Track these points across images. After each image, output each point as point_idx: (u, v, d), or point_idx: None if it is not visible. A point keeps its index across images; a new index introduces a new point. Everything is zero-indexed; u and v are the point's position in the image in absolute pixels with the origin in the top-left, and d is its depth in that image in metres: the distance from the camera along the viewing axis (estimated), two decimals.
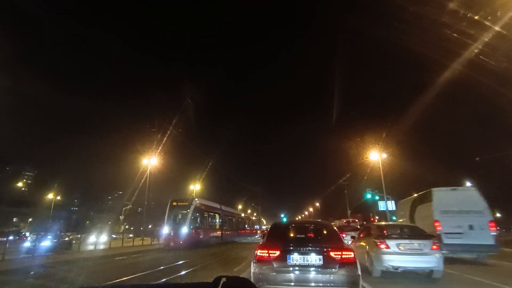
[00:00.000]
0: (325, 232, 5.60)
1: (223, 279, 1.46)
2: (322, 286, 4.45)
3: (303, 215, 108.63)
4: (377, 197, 24.80)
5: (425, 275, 7.36)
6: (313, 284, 4.49)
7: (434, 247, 7.19)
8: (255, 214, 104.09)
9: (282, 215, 60.28)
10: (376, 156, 25.62)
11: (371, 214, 33.80)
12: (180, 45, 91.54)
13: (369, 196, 25.46)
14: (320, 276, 4.49)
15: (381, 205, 26.75)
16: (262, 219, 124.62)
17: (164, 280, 7.50)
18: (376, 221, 29.64)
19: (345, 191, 42.83)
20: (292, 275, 4.55)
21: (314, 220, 14.88)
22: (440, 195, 10.74)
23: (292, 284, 4.51)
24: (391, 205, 25.33)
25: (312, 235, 5.56)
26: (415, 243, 7.25)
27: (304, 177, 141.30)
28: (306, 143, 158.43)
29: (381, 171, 24.37)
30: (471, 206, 10.13)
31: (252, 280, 4.50)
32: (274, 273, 4.59)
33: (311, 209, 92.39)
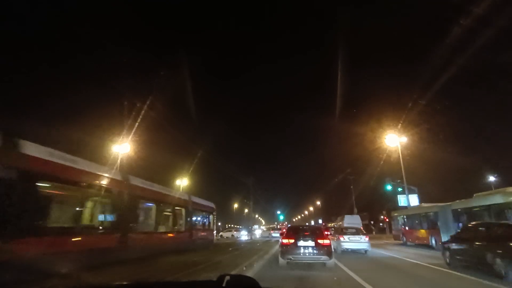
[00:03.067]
0: (316, 231, 10.32)
1: (227, 277, 1.44)
2: (314, 255, 9.37)
3: (302, 215, 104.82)
4: (400, 189, 20.14)
5: (362, 253, 14.36)
6: (307, 254, 9.38)
7: (366, 238, 14.67)
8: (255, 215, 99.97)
9: (279, 212, 56.31)
10: (392, 141, 20.97)
11: (384, 212, 29.15)
12: (174, 23, 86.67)
13: (389, 188, 20.81)
14: (313, 251, 9.37)
15: (401, 200, 22.12)
16: (260, 219, 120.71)
17: None
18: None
19: (351, 187, 38.24)
20: (300, 250, 9.44)
21: (311, 225, 22.48)
22: (347, 217, 27.18)
23: (300, 254, 9.40)
24: (414, 200, 20.57)
25: (309, 232, 10.11)
26: (357, 237, 14.71)
27: (305, 175, 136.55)
28: (306, 137, 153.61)
29: (400, 158, 19.75)
30: (356, 220, 25.19)
31: (279, 254, 9.75)
32: (291, 250, 9.48)
33: (311, 208, 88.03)
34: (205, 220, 19.78)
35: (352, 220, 23.77)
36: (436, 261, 10.27)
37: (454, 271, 8.57)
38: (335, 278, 7.81)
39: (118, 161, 24.06)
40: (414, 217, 19.63)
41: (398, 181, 19.56)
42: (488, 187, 30.56)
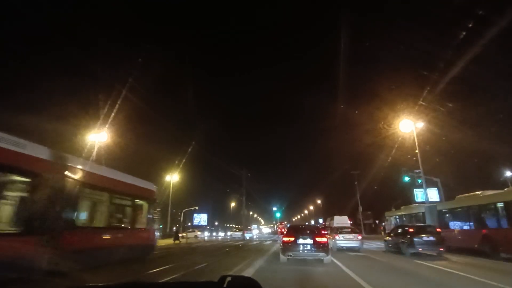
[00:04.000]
0: (314, 230, 11.25)
1: (228, 278, 1.47)
2: (312, 252, 9.96)
3: (302, 214, 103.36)
4: (419, 181, 17.22)
5: (355, 250, 15.32)
6: (306, 251, 9.99)
7: (359, 237, 16.10)
8: (252, 213, 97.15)
9: (275, 209, 54.02)
10: (406, 128, 18.25)
11: (393, 209, 26.48)
12: (175, 21, 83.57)
13: (407, 179, 17.96)
14: (311, 248, 10.01)
15: (418, 195, 19.42)
16: (260, 219, 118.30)
17: None
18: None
19: (356, 183, 35.44)
20: (299, 247, 10.05)
21: (309, 225, 23.44)
22: (336, 217, 27.50)
23: (300, 251, 9.99)
24: (434, 195, 17.80)
25: (308, 231, 10.87)
26: (351, 235, 16.01)
27: (306, 173, 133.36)
28: (307, 136, 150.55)
29: (416, 145, 17.00)
30: (344, 221, 26.28)
31: (280, 252, 10.56)
32: (291, 247, 10.12)
33: (311, 208, 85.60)
34: (130, 213, 11.14)
35: (341, 221, 27.40)
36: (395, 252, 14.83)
37: (387, 252, 15.01)
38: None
39: (95, 151, 21.38)
40: (404, 217, 21.37)
41: (418, 171, 16.79)
42: None
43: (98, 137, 21.36)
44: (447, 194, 16.56)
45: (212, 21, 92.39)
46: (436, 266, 9.57)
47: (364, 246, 16.63)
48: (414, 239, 12.68)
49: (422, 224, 15.67)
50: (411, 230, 13.31)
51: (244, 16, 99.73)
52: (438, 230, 13.40)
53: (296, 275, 8.28)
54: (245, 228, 47.34)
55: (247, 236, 44.36)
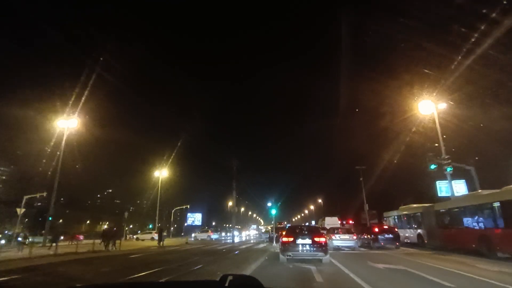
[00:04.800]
0: (313, 230, 11.88)
1: (230, 277, 1.46)
2: (311, 252, 10.15)
3: (302, 214, 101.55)
4: (449, 169, 14.28)
5: (350, 249, 16.42)
6: (305, 251, 10.18)
7: (354, 237, 17.47)
8: (247, 210, 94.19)
9: (269, 204, 51.24)
10: (426, 110, 15.51)
11: (402, 205, 23.88)
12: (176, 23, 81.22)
13: (433, 167, 15.10)
14: (310, 248, 10.20)
15: (442, 189, 16.76)
16: (259, 219, 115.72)
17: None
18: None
19: (361, 179, 32.65)
20: (298, 247, 10.25)
21: (309, 225, 26.72)
22: (327, 218, 32.80)
23: (299, 251, 10.17)
24: (461, 188, 15.11)
25: (307, 231, 11.14)
26: (346, 235, 17.28)
27: (307, 173, 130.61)
28: (310, 134, 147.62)
29: (438, 129, 14.25)
30: (335, 221, 31.33)
31: (280, 252, 10.91)
32: (291, 247, 10.32)
33: (312, 207, 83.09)
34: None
35: (332, 221, 29.59)
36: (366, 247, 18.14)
37: (361, 247, 18.05)
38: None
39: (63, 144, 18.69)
40: (403, 217, 21.79)
41: (447, 156, 13.94)
42: None
43: (68, 123, 18.83)
44: (487, 185, 13.68)
45: (212, 21, 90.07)
46: (388, 253, 13.59)
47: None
48: (378, 236, 16.34)
49: (385, 226, 19.09)
50: (376, 229, 17.16)
51: (243, 16, 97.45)
52: (396, 229, 17.27)
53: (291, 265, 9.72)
54: (235, 227, 44.32)
55: (213, 237, 41.19)
